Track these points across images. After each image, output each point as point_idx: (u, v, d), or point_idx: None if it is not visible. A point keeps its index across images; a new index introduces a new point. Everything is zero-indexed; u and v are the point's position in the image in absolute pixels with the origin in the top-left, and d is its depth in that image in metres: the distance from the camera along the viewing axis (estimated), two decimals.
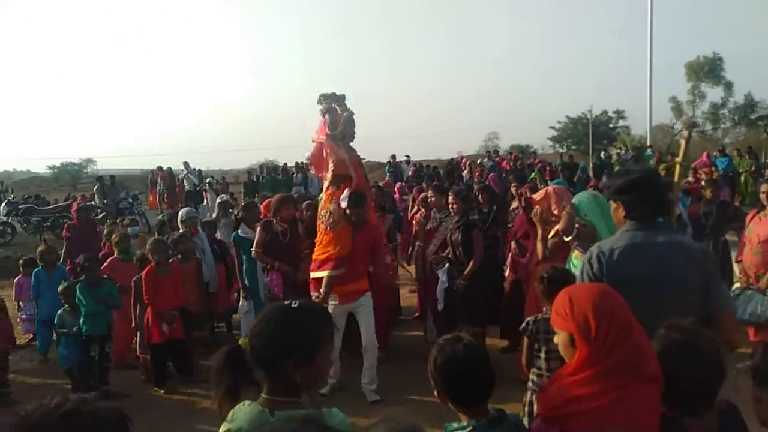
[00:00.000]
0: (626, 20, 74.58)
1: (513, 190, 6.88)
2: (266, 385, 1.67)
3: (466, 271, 5.21)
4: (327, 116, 4.84)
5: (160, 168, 20.54)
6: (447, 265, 5.46)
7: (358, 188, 4.87)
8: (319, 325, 1.72)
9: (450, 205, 5.59)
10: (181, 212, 6.59)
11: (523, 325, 3.33)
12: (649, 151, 21.41)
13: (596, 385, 1.67)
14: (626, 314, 1.74)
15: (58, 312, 5.29)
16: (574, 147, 35.97)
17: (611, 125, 37.44)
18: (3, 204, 16.94)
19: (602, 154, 23.86)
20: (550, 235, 4.54)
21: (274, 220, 5.50)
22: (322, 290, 4.71)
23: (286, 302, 1.76)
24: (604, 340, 1.68)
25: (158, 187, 20.05)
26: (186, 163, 19.88)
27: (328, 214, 4.81)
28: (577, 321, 1.73)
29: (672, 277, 2.25)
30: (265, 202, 6.69)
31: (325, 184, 5.03)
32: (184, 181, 19.24)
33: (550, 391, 1.80)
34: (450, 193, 5.73)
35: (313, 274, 4.88)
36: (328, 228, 4.78)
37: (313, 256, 4.90)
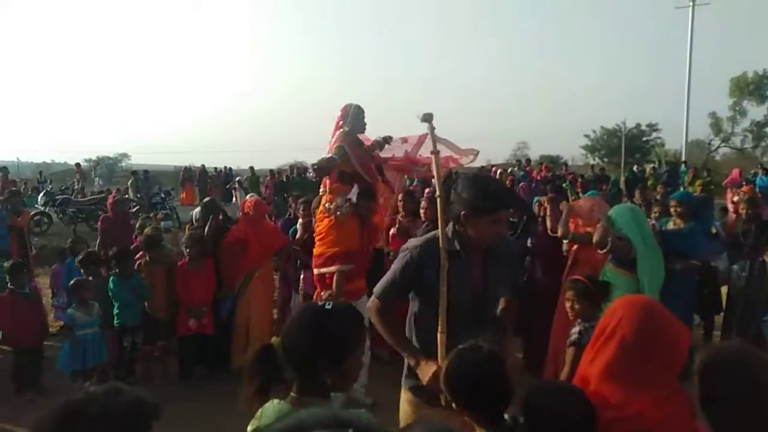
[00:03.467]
0: (666, 32, 73.42)
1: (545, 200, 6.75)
2: (296, 385, 1.69)
3: None
4: (339, 113, 4.72)
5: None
6: None
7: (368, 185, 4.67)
8: (351, 327, 1.74)
9: (422, 210, 5.53)
10: (194, 211, 6.66)
11: (575, 336, 3.19)
12: (683, 166, 20.99)
13: (638, 396, 1.65)
14: (665, 324, 1.72)
15: (68, 311, 5.09)
16: (606, 159, 35.45)
17: (645, 138, 36.78)
18: (41, 194, 17.41)
19: (635, 168, 23.48)
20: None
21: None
22: (334, 287, 4.49)
23: (319, 303, 1.79)
24: (640, 346, 1.67)
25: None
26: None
27: (334, 206, 4.52)
28: (616, 324, 1.74)
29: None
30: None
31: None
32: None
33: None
34: (423, 198, 5.70)
35: (321, 270, 4.60)
36: (333, 220, 4.53)
37: (316, 252, 4.65)
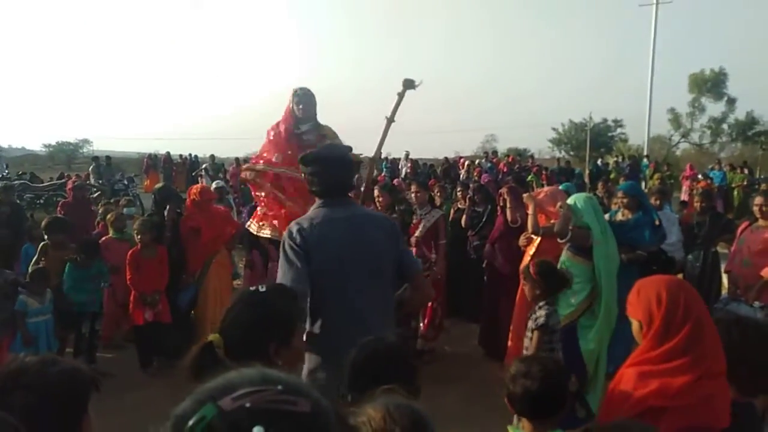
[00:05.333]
0: (631, 28, 74.86)
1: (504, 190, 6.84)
2: None
3: None
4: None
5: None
6: None
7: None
8: (291, 305, 1.74)
9: (376, 198, 5.59)
10: None
11: (543, 319, 3.19)
12: (645, 160, 21.54)
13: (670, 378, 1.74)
14: (692, 304, 1.80)
15: (20, 297, 4.74)
16: (572, 153, 36.10)
17: (610, 134, 37.58)
18: None
19: (599, 162, 24.00)
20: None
21: None
22: None
23: (252, 288, 1.76)
24: (666, 326, 1.76)
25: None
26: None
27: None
28: (642, 307, 1.82)
29: (365, 245, 2.37)
30: None
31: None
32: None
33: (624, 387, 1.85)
34: (376, 187, 5.73)
35: None
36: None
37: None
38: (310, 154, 2.50)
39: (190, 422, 0.64)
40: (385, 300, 2.45)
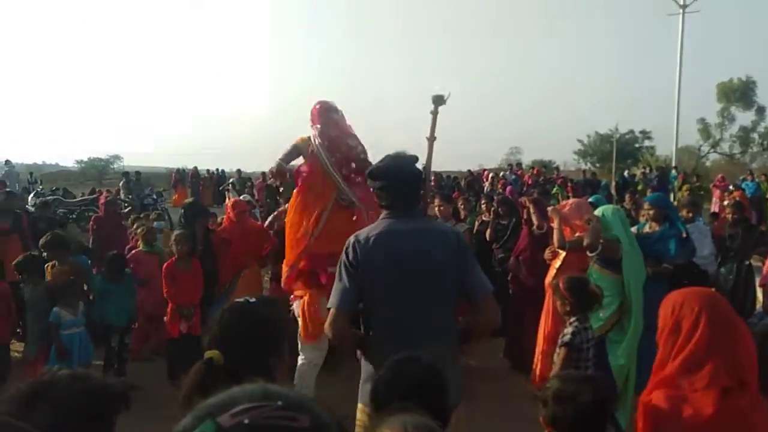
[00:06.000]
0: (657, 39, 73.98)
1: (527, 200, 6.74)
2: None
3: None
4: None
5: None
6: None
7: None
8: (281, 315, 1.77)
9: (438, 208, 5.67)
10: None
11: (568, 336, 3.15)
12: (673, 172, 21.18)
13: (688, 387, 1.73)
14: (713, 310, 1.78)
15: (54, 309, 4.78)
16: (598, 164, 35.66)
17: (636, 145, 37.04)
18: (31, 195, 17.32)
19: (626, 173, 23.67)
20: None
21: None
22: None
23: (242, 300, 1.73)
24: (677, 329, 1.77)
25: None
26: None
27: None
28: (661, 316, 1.85)
29: (423, 260, 2.27)
30: None
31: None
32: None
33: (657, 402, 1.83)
34: (437, 197, 5.79)
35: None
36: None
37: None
38: (378, 168, 2.44)
39: None
40: (442, 319, 2.32)
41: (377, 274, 2.26)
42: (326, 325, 2.31)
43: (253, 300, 1.70)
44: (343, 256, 2.35)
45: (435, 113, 2.53)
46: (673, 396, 1.75)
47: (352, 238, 2.38)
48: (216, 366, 1.56)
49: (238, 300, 1.72)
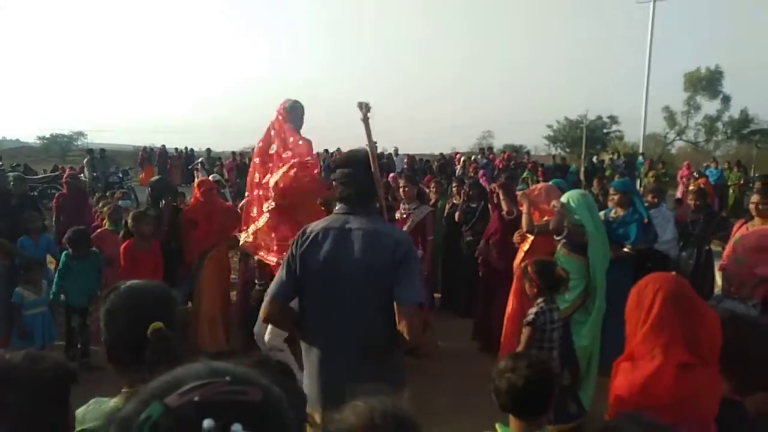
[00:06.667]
0: (627, 27, 74.89)
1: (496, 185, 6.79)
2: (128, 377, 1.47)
3: None
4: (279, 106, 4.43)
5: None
6: None
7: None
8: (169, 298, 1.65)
9: (402, 189, 5.67)
10: None
11: (532, 316, 3.24)
12: (640, 158, 21.60)
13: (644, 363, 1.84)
14: (671, 292, 1.88)
15: (16, 289, 4.75)
16: (568, 150, 36.13)
17: (605, 130, 37.63)
18: None
19: (594, 159, 24.05)
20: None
21: None
22: None
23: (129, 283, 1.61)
24: (639, 308, 1.89)
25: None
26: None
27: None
28: (629, 298, 1.97)
29: (356, 261, 2.26)
30: None
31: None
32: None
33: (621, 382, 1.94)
34: (401, 178, 5.79)
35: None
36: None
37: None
38: (335, 159, 2.51)
39: (136, 423, 0.61)
40: (369, 320, 2.25)
41: (311, 272, 2.32)
42: (261, 308, 2.44)
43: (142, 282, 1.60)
44: (290, 248, 2.42)
45: (366, 119, 2.50)
46: (633, 367, 1.87)
47: (300, 230, 2.44)
48: (165, 333, 1.42)
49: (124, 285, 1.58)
